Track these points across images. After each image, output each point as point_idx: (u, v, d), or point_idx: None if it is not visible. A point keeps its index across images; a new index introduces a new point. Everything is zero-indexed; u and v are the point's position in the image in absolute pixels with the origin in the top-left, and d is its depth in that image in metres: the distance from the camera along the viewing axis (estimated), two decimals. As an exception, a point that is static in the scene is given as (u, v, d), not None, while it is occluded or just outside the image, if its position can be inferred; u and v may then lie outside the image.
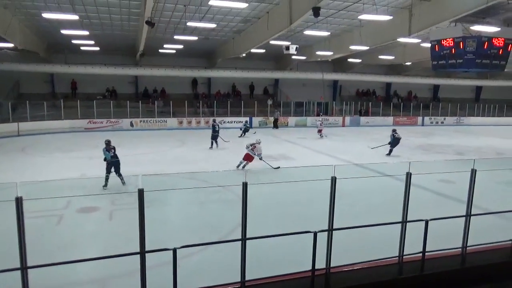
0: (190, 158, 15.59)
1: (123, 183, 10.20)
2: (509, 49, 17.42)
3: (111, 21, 19.15)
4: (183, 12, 17.23)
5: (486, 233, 6.16)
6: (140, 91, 30.41)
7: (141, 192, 3.94)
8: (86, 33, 19.56)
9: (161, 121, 26.63)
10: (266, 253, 5.77)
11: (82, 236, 7.38)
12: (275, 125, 28.44)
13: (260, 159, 12.92)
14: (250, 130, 24.22)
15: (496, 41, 17.01)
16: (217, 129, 17.98)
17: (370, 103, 34.68)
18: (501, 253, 5.78)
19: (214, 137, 17.94)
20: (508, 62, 18.11)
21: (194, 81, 31.79)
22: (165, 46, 24.71)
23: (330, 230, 4.78)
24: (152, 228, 4.47)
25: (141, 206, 3.97)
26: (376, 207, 8.64)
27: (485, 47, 16.82)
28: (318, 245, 4.68)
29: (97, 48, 25.23)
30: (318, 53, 24.88)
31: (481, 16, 16.50)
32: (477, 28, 16.21)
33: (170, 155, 16.41)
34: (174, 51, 26.70)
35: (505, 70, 19.28)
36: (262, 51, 24.76)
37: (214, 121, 18.95)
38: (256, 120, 28.70)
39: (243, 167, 12.71)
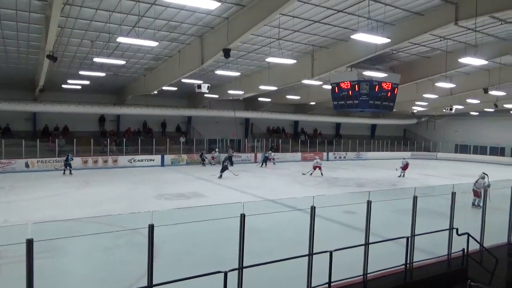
0: (95, 200, 14.52)
1: None
2: (395, 92, 19.90)
3: (6, 53, 17.55)
4: (89, 48, 16.58)
5: (384, 259, 6.68)
6: (39, 129, 27.87)
7: (29, 243, 3.52)
8: (-27, 65, 17.66)
9: (62, 161, 24.51)
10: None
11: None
12: (231, 162, 28.12)
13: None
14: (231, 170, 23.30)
15: (385, 85, 19.35)
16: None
17: (280, 140, 36.31)
18: (396, 277, 6.30)
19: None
20: (396, 103, 20.65)
21: (102, 118, 30.21)
22: (69, 81, 23.25)
23: (240, 268, 4.76)
24: (49, 282, 4.00)
25: (29, 259, 3.54)
26: (288, 241, 8.87)
27: (376, 90, 19.02)
28: (230, 285, 4.61)
29: (-12, 82, 22.81)
30: (230, 92, 25.60)
31: (372, 63, 18.73)
32: (369, 73, 18.25)
33: (72, 198, 15.12)
34: (79, 87, 25.25)
35: (394, 110, 21.93)
36: (174, 88, 24.72)
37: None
38: (168, 158, 28.03)
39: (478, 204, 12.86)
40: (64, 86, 24.58)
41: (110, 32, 14.06)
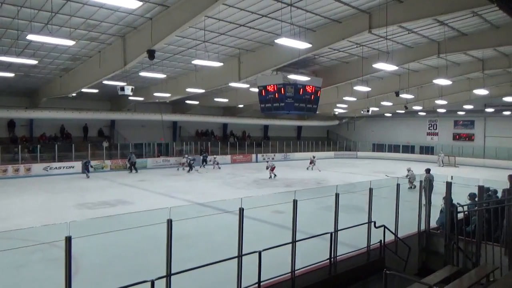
0: (5, 213, 13.12)
1: None
2: (318, 95, 20.93)
3: None
4: (-6, 45, 15.00)
5: (311, 255, 6.95)
6: None
7: None
8: None
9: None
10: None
11: None
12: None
13: None
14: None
15: (309, 88, 20.25)
16: None
17: (209, 142, 36.10)
18: (322, 271, 6.58)
19: None
20: (319, 106, 21.68)
21: (12, 123, 27.45)
22: (-31, 82, 20.84)
23: (168, 275, 4.62)
24: None
25: None
26: (218, 244, 8.82)
27: (301, 93, 19.83)
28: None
29: None
30: (156, 94, 24.85)
31: (296, 67, 19.42)
32: (293, 77, 18.89)
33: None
34: (-17, 89, 22.73)
35: (317, 112, 23.00)
36: (95, 91, 23.35)
37: None
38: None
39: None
40: (-36, 87, 21.96)
41: (19, 28, 12.86)
